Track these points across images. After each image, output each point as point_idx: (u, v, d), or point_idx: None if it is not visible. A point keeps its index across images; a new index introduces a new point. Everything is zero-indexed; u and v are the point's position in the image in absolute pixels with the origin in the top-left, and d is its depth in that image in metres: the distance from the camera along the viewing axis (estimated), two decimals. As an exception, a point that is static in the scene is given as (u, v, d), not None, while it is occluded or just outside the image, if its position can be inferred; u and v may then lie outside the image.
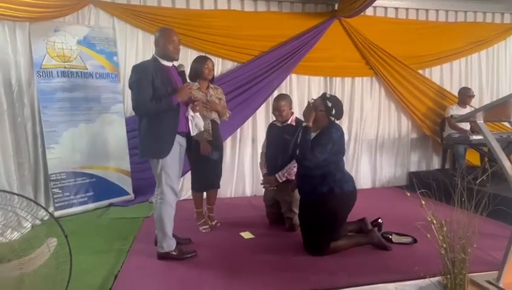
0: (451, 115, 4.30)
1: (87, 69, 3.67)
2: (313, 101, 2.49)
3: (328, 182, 2.40)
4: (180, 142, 2.46)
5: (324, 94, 2.52)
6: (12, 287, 1.12)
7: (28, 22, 3.32)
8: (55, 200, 3.45)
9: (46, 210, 1.61)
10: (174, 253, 2.45)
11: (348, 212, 2.55)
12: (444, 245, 1.69)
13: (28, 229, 2.78)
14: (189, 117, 2.49)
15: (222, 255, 2.52)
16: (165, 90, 2.35)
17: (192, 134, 2.53)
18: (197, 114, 2.53)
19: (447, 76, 4.86)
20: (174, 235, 2.69)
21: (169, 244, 2.45)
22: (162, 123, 2.35)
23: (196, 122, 2.52)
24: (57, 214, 3.42)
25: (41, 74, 3.39)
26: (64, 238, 1.29)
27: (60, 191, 3.48)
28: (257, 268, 2.31)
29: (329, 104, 2.43)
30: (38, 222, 2.60)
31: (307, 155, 2.35)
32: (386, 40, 4.44)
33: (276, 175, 2.88)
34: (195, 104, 2.49)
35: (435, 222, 1.73)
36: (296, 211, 2.81)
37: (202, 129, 2.62)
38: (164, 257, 2.43)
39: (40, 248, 1.22)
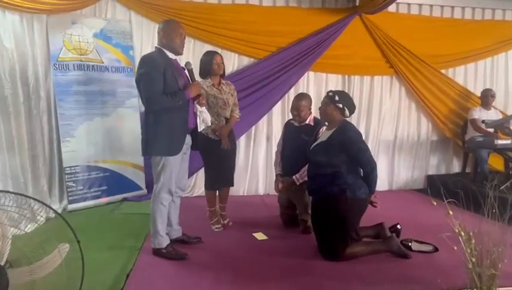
0: (477, 118, 4.10)
1: (103, 62, 3.64)
2: (320, 106, 2.56)
3: (337, 183, 2.36)
4: (186, 140, 2.41)
5: (327, 92, 2.56)
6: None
7: (46, 14, 3.30)
8: (69, 194, 3.45)
9: (59, 215, 1.54)
10: (163, 251, 2.40)
11: (359, 219, 2.49)
12: (473, 259, 1.58)
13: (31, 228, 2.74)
14: (198, 112, 2.42)
15: (235, 257, 2.47)
16: (176, 84, 2.28)
17: (199, 130, 2.48)
18: (204, 108, 2.47)
19: (471, 76, 4.65)
20: (183, 234, 2.68)
21: (160, 242, 2.41)
22: (172, 120, 2.27)
23: (204, 118, 2.46)
24: (70, 207, 3.43)
25: (57, 66, 3.38)
26: (77, 243, 1.23)
27: (74, 185, 3.48)
28: (270, 271, 2.25)
29: (331, 94, 2.47)
30: (43, 219, 2.57)
31: (370, 165, 2.40)
32: (409, 38, 4.27)
33: (294, 177, 2.80)
34: (201, 98, 2.41)
35: (463, 233, 1.62)
36: (311, 213, 2.73)
37: (209, 124, 2.58)
38: (156, 253, 2.42)
39: (52, 253, 1.17)
